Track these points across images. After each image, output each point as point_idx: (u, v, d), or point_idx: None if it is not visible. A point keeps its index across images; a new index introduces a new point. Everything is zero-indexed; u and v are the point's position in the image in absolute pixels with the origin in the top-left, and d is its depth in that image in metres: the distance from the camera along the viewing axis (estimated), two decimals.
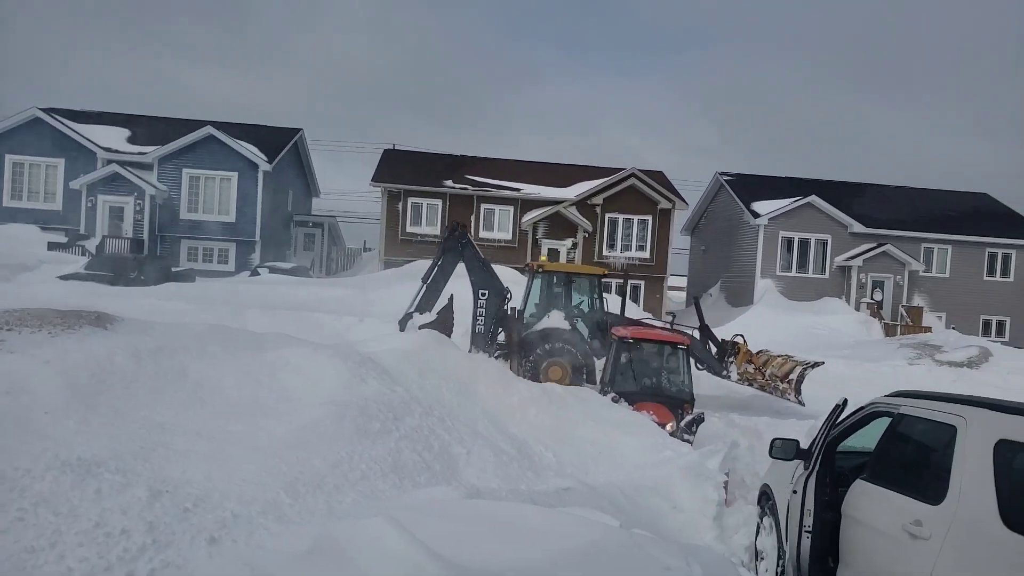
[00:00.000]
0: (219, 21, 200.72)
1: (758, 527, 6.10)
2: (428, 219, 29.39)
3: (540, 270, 13.86)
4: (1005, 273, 30.65)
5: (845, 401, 4.99)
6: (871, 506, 4.23)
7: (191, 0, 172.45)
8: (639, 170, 29.85)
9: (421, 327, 11.41)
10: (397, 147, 35.21)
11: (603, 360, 12.11)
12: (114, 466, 4.26)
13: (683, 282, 40.66)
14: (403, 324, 12.25)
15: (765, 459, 6.37)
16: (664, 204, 29.71)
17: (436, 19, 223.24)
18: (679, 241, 35.82)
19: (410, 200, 29.29)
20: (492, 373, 9.76)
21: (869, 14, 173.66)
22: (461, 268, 12.69)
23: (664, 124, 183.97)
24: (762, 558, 5.80)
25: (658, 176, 31.63)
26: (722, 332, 14.97)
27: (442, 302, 12.44)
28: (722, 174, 34.10)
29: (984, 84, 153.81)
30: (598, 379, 11.95)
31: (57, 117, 28.62)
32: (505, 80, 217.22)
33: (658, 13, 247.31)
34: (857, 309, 28.56)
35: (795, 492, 4.88)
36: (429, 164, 31.83)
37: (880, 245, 29.31)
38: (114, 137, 29.52)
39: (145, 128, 30.58)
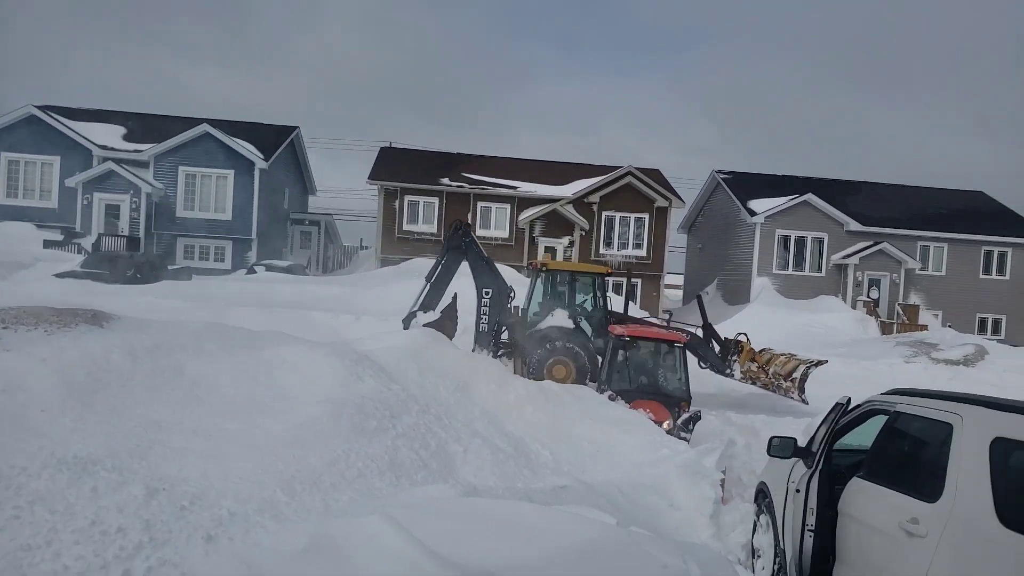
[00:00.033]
0: (218, 21, 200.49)
1: (755, 525, 6.11)
2: (425, 217, 29.37)
3: (544, 269, 13.79)
4: (1001, 271, 30.74)
5: (849, 400, 4.99)
6: (868, 504, 4.23)
7: (190, 0, 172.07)
8: (636, 168, 29.85)
9: (424, 326, 11.34)
10: (394, 145, 35.17)
11: None
12: (110, 464, 4.25)
13: (680, 280, 40.71)
14: (407, 322, 12.17)
15: (762, 457, 6.38)
16: (661, 202, 29.72)
17: (435, 19, 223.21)
18: (676, 239, 35.91)
19: (407, 198, 29.26)
20: (490, 371, 9.73)
21: (869, 14, 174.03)
22: (465, 267, 12.65)
23: (663, 124, 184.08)
24: (759, 556, 5.81)
25: (655, 174, 31.64)
26: (720, 330, 14.97)
27: (446, 300, 12.41)
28: (719, 172, 34.09)
29: (984, 84, 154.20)
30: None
31: (53, 115, 28.53)
32: (504, 80, 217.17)
33: (658, 13, 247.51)
34: (853, 307, 28.61)
35: (798, 491, 4.87)
36: (426, 162, 31.80)
37: (876, 243, 29.37)
38: (110, 135, 29.45)
39: (141, 126, 30.51)
